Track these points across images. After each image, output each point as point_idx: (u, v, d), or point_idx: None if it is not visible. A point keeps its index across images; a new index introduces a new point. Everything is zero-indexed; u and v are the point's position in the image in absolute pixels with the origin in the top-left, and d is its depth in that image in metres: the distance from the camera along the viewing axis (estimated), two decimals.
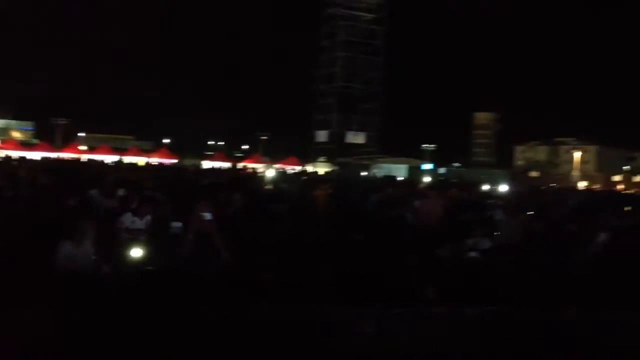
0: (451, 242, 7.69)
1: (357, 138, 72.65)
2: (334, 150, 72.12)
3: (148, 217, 7.57)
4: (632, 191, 34.58)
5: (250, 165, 45.34)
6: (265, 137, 76.73)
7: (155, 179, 14.82)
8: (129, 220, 7.53)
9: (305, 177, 22.74)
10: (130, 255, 6.76)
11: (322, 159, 70.94)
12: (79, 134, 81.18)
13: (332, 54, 75.22)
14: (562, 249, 7.70)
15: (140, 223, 7.48)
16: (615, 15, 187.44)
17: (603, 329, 5.14)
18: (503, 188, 20.06)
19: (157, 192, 9.88)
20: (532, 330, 5.14)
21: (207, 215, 6.94)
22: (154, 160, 44.15)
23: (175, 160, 45.74)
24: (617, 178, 63.03)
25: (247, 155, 66.97)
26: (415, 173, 55.31)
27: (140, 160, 42.04)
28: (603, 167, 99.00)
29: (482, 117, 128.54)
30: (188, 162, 45.40)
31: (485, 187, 21.84)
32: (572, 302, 5.67)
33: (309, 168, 50.67)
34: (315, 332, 4.96)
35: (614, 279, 6.34)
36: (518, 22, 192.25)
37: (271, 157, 57.24)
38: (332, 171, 49.24)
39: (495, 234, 8.45)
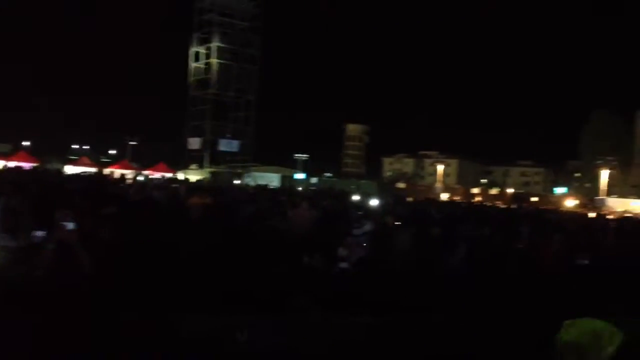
0: (323, 251, 7.77)
1: (230, 146, 71.96)
2: (206, 158, 71.14)
3: None
4: (489, 203, 36.97)
5: (118, 170, 43.50)
6: (134, 143, 74.26)
7: (10, 184, 13.74)
8: None
9: (177, 185, 22.14)
10: None
11: (193, 166, 69.66)
12: None
13: (206, 61, 74.22)
14: (428, 258, 8.05)
15: None
16: (466, 32, 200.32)
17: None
18: (372, 199, 20.70)
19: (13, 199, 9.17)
20: (403, 336, 5.29)
21: (70, 225, 6.50)
22: (12, 163, 41.13)
23: (35, 164, 42.89)
24: (475, 190, 67.10)
25: (114, 161, 64.48)
26: (287, 182, 55.86)
27: None
28: (463, 180, 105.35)
29: (353, 128, 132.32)
30: (50, 166, 42.86)
31: (356, 197, 22.44)
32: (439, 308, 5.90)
33: (180, 175, 49.58)
34: (184, 341, 4.81)
35: (475, 284, 6.73)
36: (387, 36, 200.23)
37: (140, 164, 55.51)
38: (203, 179, 48.51)
39: (364, 244, 8.63)
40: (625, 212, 39.16)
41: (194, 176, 52.19)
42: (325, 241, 8.37)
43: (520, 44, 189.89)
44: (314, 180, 65.50)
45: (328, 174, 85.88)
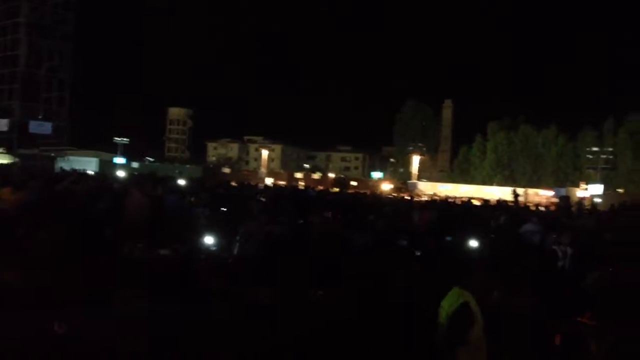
0: (149, 239, 7.52)
1: (41, 128, 66.70)
2: (15, 141, 65.42)
3: None
4: (311, 187, 38.11)
5: None
6: None
7: None
8: None
9: None
10: None
11: (1, 149, 63.79)
12: None
13: (14, 36, 67.96)
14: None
15: None
16: (288, 14, 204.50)
17: None
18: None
19: None
20: (227, 324, 5.28)
21: None
22: None
23: None
24: (299, 175, 68.84)
25: None
26: (106, 167, 53.17)
27: None
28: (287, 165, 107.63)
29: (176, 112, 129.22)
30: None
31: (181, 182, 21.93)
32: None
33: None
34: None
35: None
36: (211, 17, 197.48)
37: None
38: (12, 163, 44.57)
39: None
40: (434, 194, 42.42)
41: (1, 160, 47.80)
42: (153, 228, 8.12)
43: (341, 33, 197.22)
44: (135, 164, 62.93)
45: (150, 159, 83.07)
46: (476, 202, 27.85)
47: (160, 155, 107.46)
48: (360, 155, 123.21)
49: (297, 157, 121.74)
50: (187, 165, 74.99)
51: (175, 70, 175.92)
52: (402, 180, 67.84)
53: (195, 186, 21.16)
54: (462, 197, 37.00)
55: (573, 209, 23.41)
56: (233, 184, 30.04)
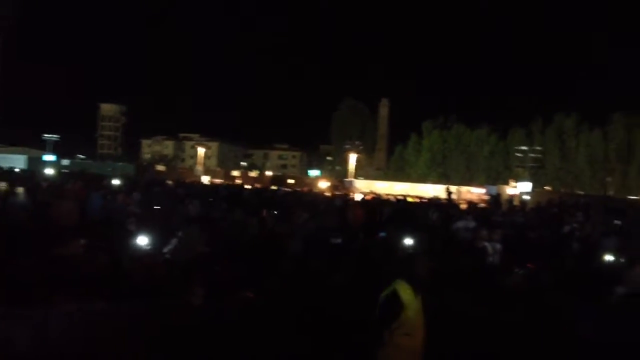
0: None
1: None
2: None
3: None
4: (249, 186, 37.90)
5: None
6: None
7: None
8: None
9: None
10: None
11: None
12: None
13: None
14: None
15: None
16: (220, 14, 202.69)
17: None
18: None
19: None
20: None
21: None
22: None
23: None
24: (236, 173, 68.24)
25: None
26: (35, 164, 51.30)
27: None
28: (224, 163, 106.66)
29: (108, 108, 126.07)
30: None
31: (115, 182, 21.36)
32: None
33: None
34: None
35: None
36: (144, 12, 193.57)
37: None
38: None
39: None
40: (370, 192, 42.83)
41: None
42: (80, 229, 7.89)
43: (278, 31, 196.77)
44: (65, 162, 60.94)
45: (81, 156, 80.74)
46: (411, 199, 28.34)
47: (92, 152, 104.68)
48: (297, 154, 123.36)
49: (234, 155, 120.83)
50: (120, 163, 73.21)
51: (107, 65, 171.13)
52: (339, 178, 68.24)
53: (128, 184, 20.75)
54: (397, 195, 37.56)
55: (503, 206, 24.17)
56: (169, 182, 29.54)
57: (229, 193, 22.92)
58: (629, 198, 49.98)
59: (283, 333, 5.78)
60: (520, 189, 43.21)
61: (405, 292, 4.68)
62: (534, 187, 47.79)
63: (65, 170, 41.64)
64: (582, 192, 58.70)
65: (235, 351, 5.42)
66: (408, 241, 9.16)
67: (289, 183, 51.46)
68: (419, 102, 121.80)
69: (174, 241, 8.00)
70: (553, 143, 77.81)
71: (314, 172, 75.80)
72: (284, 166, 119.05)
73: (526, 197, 38.32)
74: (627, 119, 74.30)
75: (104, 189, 16.79)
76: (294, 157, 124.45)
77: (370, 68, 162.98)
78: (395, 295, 4.64)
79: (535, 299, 6.76)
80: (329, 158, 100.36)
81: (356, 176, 70.79)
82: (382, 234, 10.86)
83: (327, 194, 34.95)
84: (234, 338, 5.45)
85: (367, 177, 77.32)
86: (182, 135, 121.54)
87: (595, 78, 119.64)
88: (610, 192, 69.01)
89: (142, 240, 8.11)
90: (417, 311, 4.70)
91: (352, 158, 72.35)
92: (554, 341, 5.60)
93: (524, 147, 66.83)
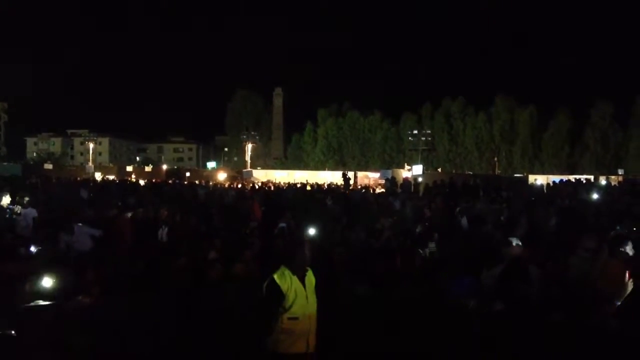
0: None
1: None
2: None
3: None
4: (143, 180, 36.84)
5: None
6: None
7: None
8: None
9: None
10: None
11: None
12: None
13: None
14: None
15: None
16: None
17: None
18: None
19: None
20: None
21: None
22: None
23: None
24: (130, 168, 66.15)
25: None
26: None
27: None
28: (116, 158, 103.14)
29: None
30: None
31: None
32: None
33: None
34: None
35: None
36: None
37: None
38: None
39: None
40: (268, 181, 42.93)
41: None
42: None
43: (174, 20, 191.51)
44: None
45: None
46: (309, 187, 28.73)
47: None
48: (193, 146, 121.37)
49: (127, 150, 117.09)
50: (5, 163, 68.99)
51: None
52: (237, 169, 67.84)
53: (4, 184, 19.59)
54: (296, 183, 37.89)
55: (398, 189, 24.97)
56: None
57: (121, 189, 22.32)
58: (515, 176, 52.96)
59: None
60: (413, 171, 44.63)
61: (284, 277, 4.85)
62: (425, 169, 49.45)
63: None
64: (471, 173, 61.57)
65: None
66: (310, 231, 9.34)
67: (187, 176, 50.53)
68: (313, 90, 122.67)
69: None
70: (442, 127, 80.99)
71: (211, 164, 74.82)
72: (180, 159, 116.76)
73: (419, 180, 39.60)
74: (509, 101, 78.55)
75: None
76: (190, 149, 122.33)
77: (263, 57, 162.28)
78: (273, 283, 4.79)
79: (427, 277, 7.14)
80: (225, 149, 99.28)
81: (254, 166, 70.65)
82: (282, 225, 11.02)
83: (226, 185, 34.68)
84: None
85: (265, 167, 77.35)
86: (70, 131, 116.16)
87: (478, 62, 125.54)
88: (498, 171, 72.80)
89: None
90: (302, 295, 4.86)
91: (249, 148, 72.11)
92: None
93: (415, 132, 69.07)
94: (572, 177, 31.10)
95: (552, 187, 22.09)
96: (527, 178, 42.90)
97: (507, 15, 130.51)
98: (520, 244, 6.81)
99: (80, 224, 9.97)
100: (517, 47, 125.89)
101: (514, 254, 6.54)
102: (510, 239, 6.93)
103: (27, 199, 13.17)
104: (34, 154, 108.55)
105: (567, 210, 12.88)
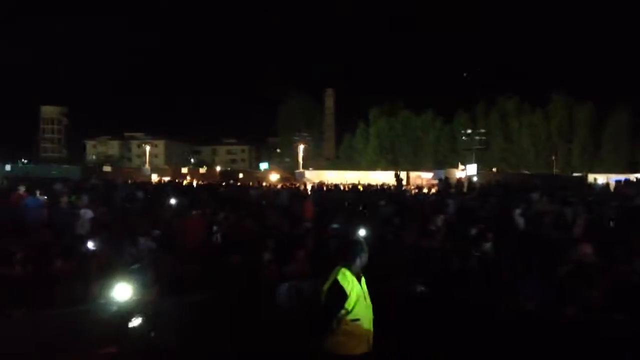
0: None
1: None
2: None
3: None
4: (200, 182, 37.49)
5: None
6: None
7: None
8: None
9: None
10: None
11: None
12: None
13: None
14: None
15: None
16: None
17: None
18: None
19: None
20: None
21: None
22: None
23: None
24: (184, 170, 67.42)
25: None
26: None
27: None
28: (172, 161, 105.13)
29: (49, 110, 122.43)
30: None
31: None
32: None
33: None
34: None
35: None
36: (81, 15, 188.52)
37: None
38: None
39: None
40: (320, 182, 43.03)
41: None
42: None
43: (222, 23, 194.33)
44: (7, 167, 59.00)
45: (24, 160, 78.36)
46: (361, 188, 28.64)
47: (34, 156, 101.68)
48: (245, 147, 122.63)
49: (182, 152, 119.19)
50: (65, 166, 71.29)
51: (46, 67, 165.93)
52: (289, 170, 68.23)
53: (71, 186, 20.23)
54: (347, 184, 37.86)
55: (452, 189, 24.64)
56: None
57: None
58: (574, 175, 51.55)
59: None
60: (467, 171, 43.99)
61: (346, 279, 4.78)
62: (479, 168, 48.70)
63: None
64: (527, 172, 60.21)
65: None
66: (362, 232, 9.25)
67: (240, 177, 51.15)
68: (365, 90, 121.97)
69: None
70: (496, 125, 79.49)
71: (263, 165, 75.51)
72: (233, 161, 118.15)
73: (474, 179, 39.06)
74: (566, 98, 76.52)
75: (50, 193, 16.40)
76: (242, 151, 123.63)
77: (313, 58, 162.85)
78: (337, 284, 4.73)
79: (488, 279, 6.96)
80: (277, 150, 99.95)
81: (306, 167, 70.88)
82: (335, 226, 10.96)
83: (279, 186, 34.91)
84: None
85: (317, 167, 77.47)
86: (127, 134, 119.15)
87: (534, 60, 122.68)
88: (556, 170, 70.97)
89: (92, 245, 8.01)
90: (361, 297, 4.80)
91: (301, 149, 72.40)
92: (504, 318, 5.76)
93: (469, 131, 67.95)
94: (633, 177, 30.03)
95: (618, 187, 21.45)
96: (586, 177, 41.75)
97: (561, 10, 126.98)
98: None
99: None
100: (573, 42, 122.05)
101: (580, 254, 6.32)
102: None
103: (84, 198, 13.49)
104: (93, 157, 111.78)
105: (633, 210, 12.42)
